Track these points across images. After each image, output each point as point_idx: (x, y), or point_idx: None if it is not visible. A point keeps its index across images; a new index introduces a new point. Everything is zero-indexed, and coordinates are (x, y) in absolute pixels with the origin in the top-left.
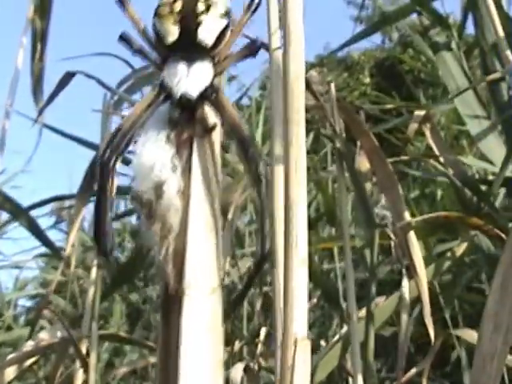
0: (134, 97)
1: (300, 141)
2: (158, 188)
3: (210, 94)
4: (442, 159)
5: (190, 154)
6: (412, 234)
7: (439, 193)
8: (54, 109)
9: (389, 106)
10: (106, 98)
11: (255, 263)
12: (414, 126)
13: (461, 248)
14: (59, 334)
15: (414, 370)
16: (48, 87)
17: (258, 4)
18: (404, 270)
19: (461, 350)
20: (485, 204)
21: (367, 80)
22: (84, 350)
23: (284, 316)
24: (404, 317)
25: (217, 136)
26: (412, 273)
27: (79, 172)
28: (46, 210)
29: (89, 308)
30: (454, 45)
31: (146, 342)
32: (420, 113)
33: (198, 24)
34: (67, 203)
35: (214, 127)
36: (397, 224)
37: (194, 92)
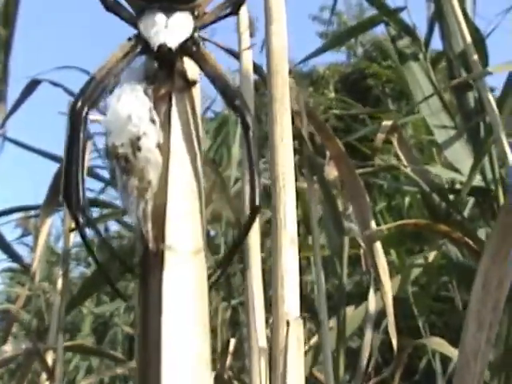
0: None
1: (285, 122)
2: (135, 140)
3: (191, 47)
4: (409, 169)
5: (169, 109)
6: (378, 244)
7: (406, 202)
8: (18, 119)
9: (355, 112)
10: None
11: (249, 214)
12: (381, 136)
13: (430, 256)
14: (23, 346)
15: (376, 379)
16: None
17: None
18: (372, 281)
19: (433, 359)
20: (453, 210)
21: (332, 95)
22: (50, 362)
23: (275, 297)
24: (368, 327)
25: (197, 91)
26: (377, 283)
27: (44, 184)
28: (11, 224)
29: (55, 319)
30: (421, 56)
31: (112, 353)
32: (387, 123)
33: None
34: (33, 213)
35: (194, 82)
36: (364, 233)
37: (173, 43)
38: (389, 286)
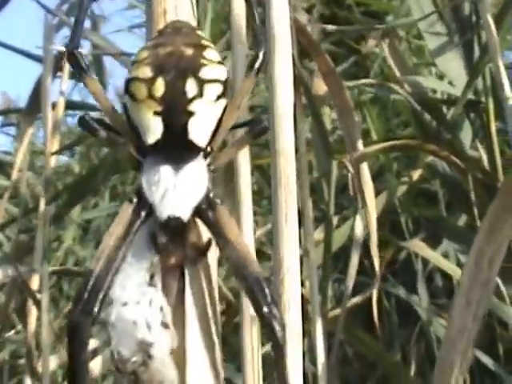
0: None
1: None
2: (146, 351)
3: (205, 210)
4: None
5: (181, 286)
6: (364, 165)
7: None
8: None
9: (344, 28)
10: (47, 19)
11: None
12: (372, 43)
13: (416, 173)
14: (10, 272)
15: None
16: None
17: (264, 63)
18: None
19: (416, 261)
20: (443, 128)
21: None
22: (36, 285)
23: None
24: (355, 251)
25: (212, 255)
26: (362, 203)
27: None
28: None
29: (39, 244)
30: None
31: None
32: (379, 26)
33: (189, 116)
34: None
35: (208, 246)
36: (351, 155)
37: (184, 212)
38: (373, 207)
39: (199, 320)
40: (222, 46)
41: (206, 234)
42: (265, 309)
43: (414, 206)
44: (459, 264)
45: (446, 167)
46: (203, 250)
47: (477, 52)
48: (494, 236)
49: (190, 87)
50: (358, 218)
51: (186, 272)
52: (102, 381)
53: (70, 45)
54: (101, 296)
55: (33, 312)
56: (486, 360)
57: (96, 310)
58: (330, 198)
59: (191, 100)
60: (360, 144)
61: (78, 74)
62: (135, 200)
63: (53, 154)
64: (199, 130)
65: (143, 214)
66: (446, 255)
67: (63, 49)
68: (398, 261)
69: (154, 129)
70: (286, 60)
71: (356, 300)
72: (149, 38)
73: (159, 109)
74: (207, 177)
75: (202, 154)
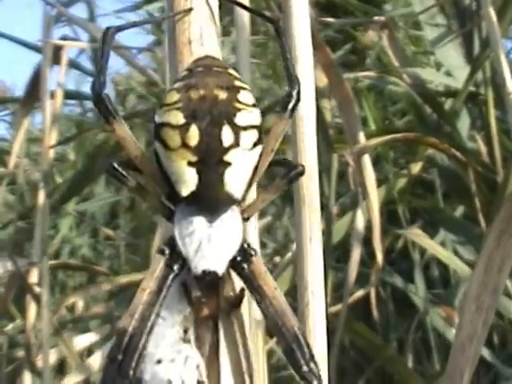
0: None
1: None
2: None
3: (241, 263)
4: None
5: (215, 339)
6: (366, 157)
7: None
8: None
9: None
10: (46, 11)
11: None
12: (371, 34)
13: (416, 166)
14: (8, 266)
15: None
16: None
17: (298, 102)
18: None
19: (413, 250)
20: (443, 121)
21: None
22: (35, 278)
23: None
24: (356, 244)
25: (245, 304)
26: (364, 195)
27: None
28: None
29: (38, 237)
30: None
31: (99, 268)
32: (379, 18)
33: (225, 167)
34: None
35: (242, 297)
36: (352, 148)
37: (219, 266)
38: (375, 200)
39: (233, 373)
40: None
41: (239, 283)
42: (304, 368)
43: (412, 196)
44: (456, 253)
45: (445, 159)
46: (237, 301)
47: (477, 42)
48: (503, 242)
49: (226, 135)
50: (359, 212)
51: (220, 323)
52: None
53: (96, 88)
54: (136, 356)
55: (32, 305)
56: (483, 351)
57: (132, 372)
58: (331, 191)
59: (227, 149)
60: (361, 136)
61: (106, 118)
62: (167, 252)
63: (51, 147)
64: (235, 182)
65: (176, 267)
66: (443, 244)
67: (62, 42)
68: (394, 249)
69: (188, 180)
70: (307, 69)
71: (357, 295)
72: (174, 72)
73: (194, 159)
74: (242, 227)
75: (236, 203)
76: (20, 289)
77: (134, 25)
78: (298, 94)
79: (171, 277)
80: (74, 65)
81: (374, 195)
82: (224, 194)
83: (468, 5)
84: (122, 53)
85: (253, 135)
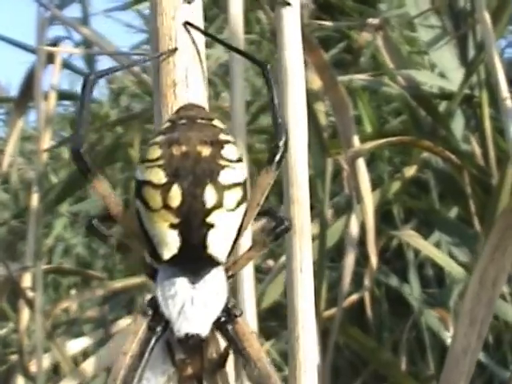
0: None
1: None
2: None
3: (225, 324)
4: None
5: None
6: (361, 160)
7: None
8: None
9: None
10: (40, 12)
11: None
12: (366, 35)
13: (411, 170)
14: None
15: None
16: None
17: (285, 154)
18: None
19: (408, 250)
20: (439, 124)
21: None
22: (29, 282)
23: None
24: (350, 249)
25: (229, 363)
26: (358, 199)
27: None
28: None
29: (31, 241)
30: None
31: (92, 273)
32: (373, 20)
33: (208, 229)
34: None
35: (226, 356)
36: (347, 152)
37: (203, 329)
38: (370, 203)
39: None
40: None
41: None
42: None
43: (407, 195)
44: (451, 255)
45: (439, 161)
46: (221, 361)
47: (471, 45)
48: (499, 255)
49: (209, 196)
50: (353, 217)
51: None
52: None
53: (74, 143)
54: None
55: (25, 309)
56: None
57: None
58: (325, 195)
59: (210, 211)
60: (356, 140)
61: (84, 174)
62: (150, 313)
63: (45, 151)
64: (219, 244)
65: (159, 329)
66: (437, 245)
67: (55, 49)
68: (389, 248)
69: (170, 243)
70: (299, 89)
71: (352, 298)
72: (158, 117)
73: (176, 221)
74: (226, 286)
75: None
76: (13, 292)
77: (116, 69)
78: (286, 144)
79: (154, 339)
80: (67, 65)
81: (369, 199)
82: (207, 257)
83: (462, 7)
84: (116, 58)
85: (237, 194)
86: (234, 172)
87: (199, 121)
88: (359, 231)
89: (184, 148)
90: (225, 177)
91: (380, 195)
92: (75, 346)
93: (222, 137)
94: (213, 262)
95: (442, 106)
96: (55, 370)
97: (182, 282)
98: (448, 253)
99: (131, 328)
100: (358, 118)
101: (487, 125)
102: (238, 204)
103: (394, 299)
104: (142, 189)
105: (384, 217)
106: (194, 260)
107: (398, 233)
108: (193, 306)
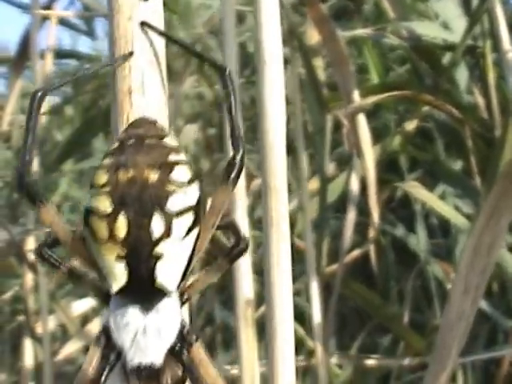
0: None
1: None
2: None
3: (180, 350)
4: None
5: None
6: (361, 116)
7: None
8: None
9: None
10: None
11: None
12: None
13: (412, 124)
14: (3, 235)
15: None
16: None
17: (241, 170)
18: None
19: (414, 200)
20: (442, 76)
21: None
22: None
23: None
24: (351, 207)
25: None
26: (359, 154)
27: None
28: None
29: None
30: None
31: None
32: None
33: (156, 260)
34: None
35: (184, 381)
36: (346, 109)
37: (156, 358)
38: (370, 158)
39: None
40: None
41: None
42: None
43: (411, 146)
44: (456, 206)
45: (442, 114)
46: None
47: None
48: (494, 221)
49: (156, 226)
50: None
51: None
52: None
53: (20, 170)
54: None
55: (29, 272)
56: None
57: None
58: (325, 151)
59: (158, 241)
60: (356, 95)
61: (31, 202)
62: (103, 341)
63: (43, 114)
64: (168, 274)
65: (112, 357)
66: (442, 196)
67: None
68: (395, 198)
69: (117, 275)
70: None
71: (354, 254)
72: (115, 127)
73: (122, 253)
74: (180, 313)
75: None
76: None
77: (66, 82)
78: (242, 159)
79: (107, 368)
80: (64, 23)
81: (369, 155)
82: (157, 288)
83: None
84: None
85: (187, 220)
86: (184, 196)
87: (148, 141)
88: (361, 182)
89: (131, 173)
90: (174, 203)
91: (383, 147)
92: (80, 306)
93: (172, 157)
94: (163, 292)
95: (446, 58)
96: (64, 331)
97: (133, 312)
98: (453, 204)
99: (87, 356)
100: (361, 67)
101: (491, 75)
102: (190, 230)
103: (400, 248)
104: (88, 218)
105: (389, 166)
106: (143, 291)
107: (402, 184)
108: (145, 335)
